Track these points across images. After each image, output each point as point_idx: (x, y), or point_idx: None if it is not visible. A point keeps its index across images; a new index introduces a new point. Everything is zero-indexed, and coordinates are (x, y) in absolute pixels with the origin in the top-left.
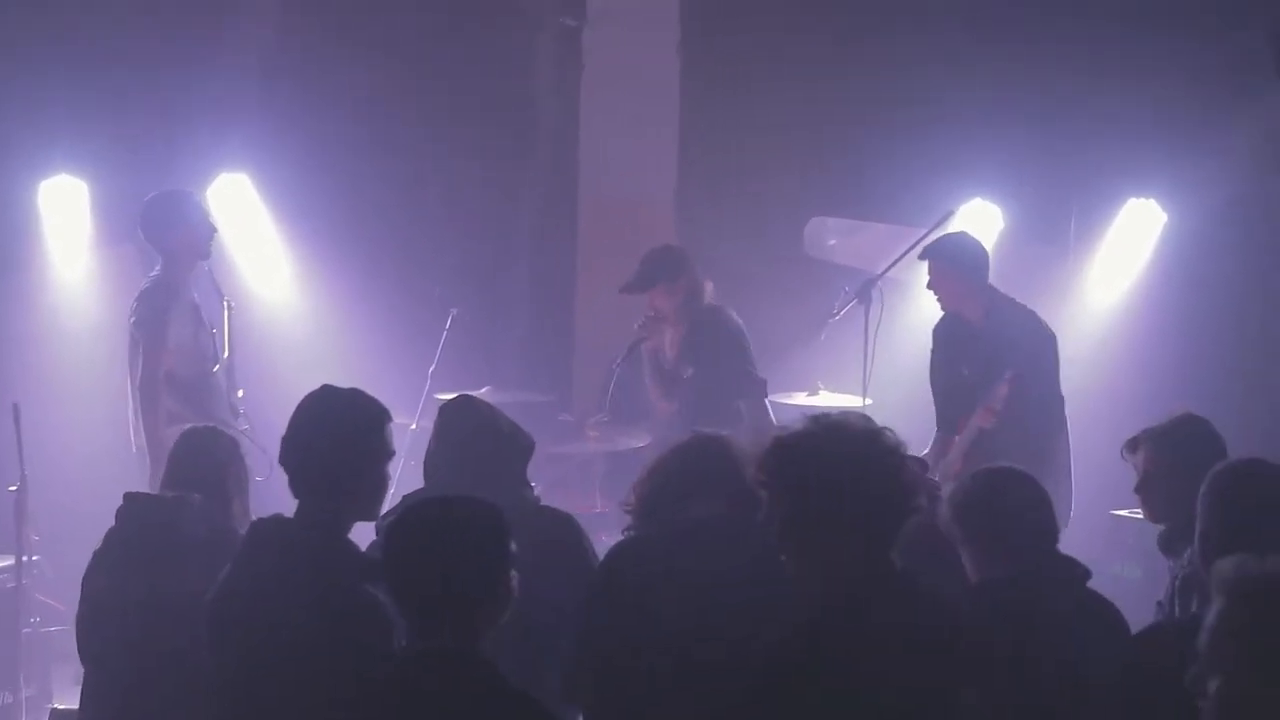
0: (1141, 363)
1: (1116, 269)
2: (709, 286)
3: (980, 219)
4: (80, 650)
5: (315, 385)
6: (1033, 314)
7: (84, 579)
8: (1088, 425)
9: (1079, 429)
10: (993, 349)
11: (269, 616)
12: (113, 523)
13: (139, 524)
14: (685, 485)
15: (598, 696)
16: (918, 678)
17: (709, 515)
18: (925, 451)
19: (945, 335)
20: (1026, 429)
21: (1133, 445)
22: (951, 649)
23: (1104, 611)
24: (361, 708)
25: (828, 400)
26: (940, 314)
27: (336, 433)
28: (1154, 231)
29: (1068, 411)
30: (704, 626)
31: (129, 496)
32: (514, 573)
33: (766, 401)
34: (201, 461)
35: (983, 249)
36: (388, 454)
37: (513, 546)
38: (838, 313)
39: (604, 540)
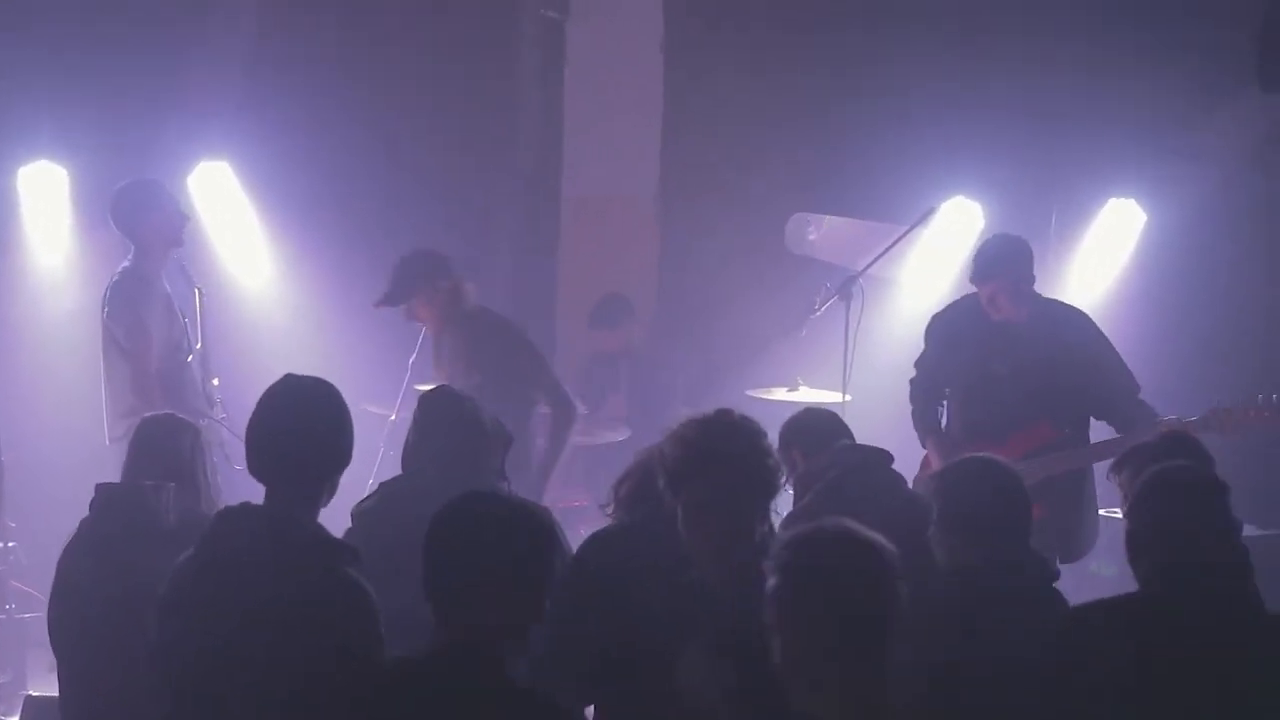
0: None
1: (1097, 268)
2: (469, 288)
3: (961, 217)
4: (52, 641)
5: (294, 373)
6: (1069, 305)
7: (57, 569)
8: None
9: None
10: (1040, 347)
11: (245, 604)
12: (87, 512)
13: (112, 513)
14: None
15: (568, 686)
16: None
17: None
18: (923, 459)
19: (962, 332)
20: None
21: (1118, 467)
22: None
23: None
24: (382, 703)
25: (808, 396)
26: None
27: (311, 419)
28: (1134, 231)
29: None
30: (678, 613)
31: (101, 487)
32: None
33: (565, 389)
34: (165, 448)
35: (1027, 245)
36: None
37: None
38: (819, 309)
39: (583, 534)
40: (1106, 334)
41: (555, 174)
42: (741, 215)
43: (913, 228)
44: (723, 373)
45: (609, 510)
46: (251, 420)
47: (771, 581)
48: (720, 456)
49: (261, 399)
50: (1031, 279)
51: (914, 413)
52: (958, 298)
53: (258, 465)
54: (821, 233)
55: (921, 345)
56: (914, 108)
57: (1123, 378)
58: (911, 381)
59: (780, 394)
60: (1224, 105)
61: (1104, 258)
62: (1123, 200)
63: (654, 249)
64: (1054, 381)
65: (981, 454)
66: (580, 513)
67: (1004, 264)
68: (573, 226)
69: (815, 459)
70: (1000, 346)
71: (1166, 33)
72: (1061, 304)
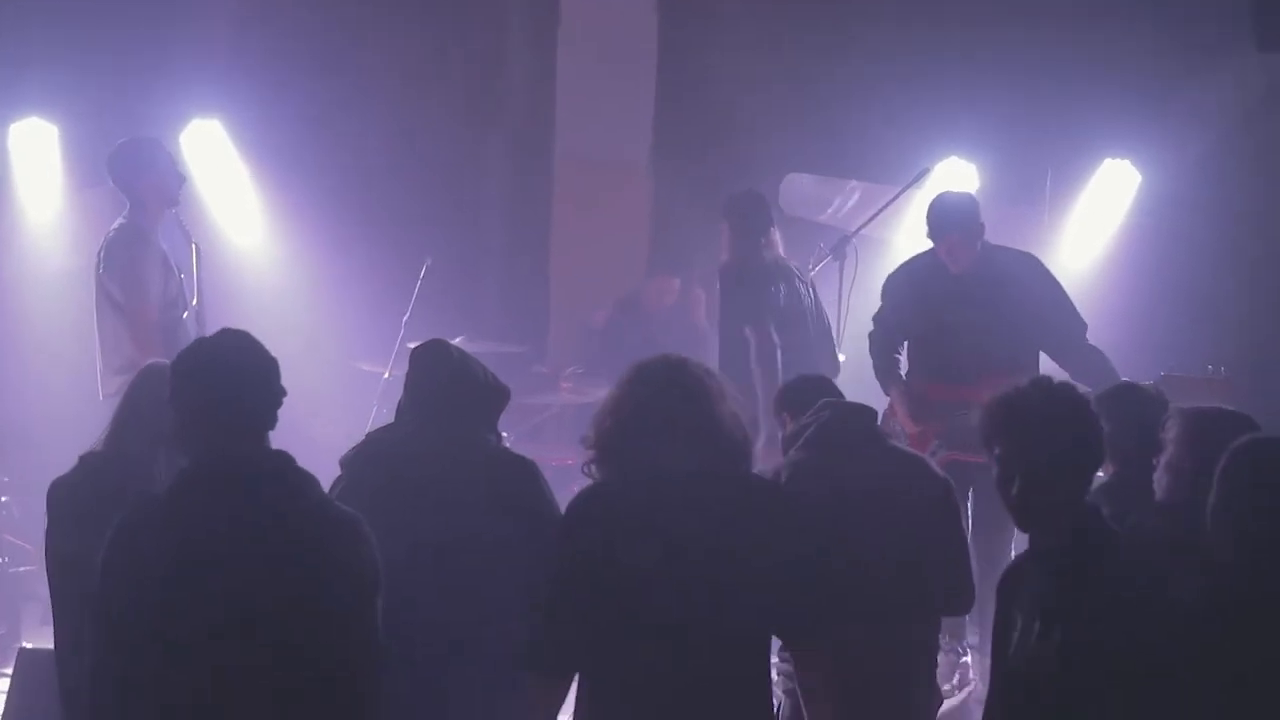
0: (1115, 323)
1: (1091, 229)
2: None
3: (955, 177)
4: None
5: (288, 331)
6: (1018, 251)
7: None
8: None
9: None
10: (993, 293)
11: (241, 551)
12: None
13: (101, 484)
14: (652, 425)
15: (568, 656)
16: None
17: (682, 463)
18: (887, 408)
19: (917, 286)
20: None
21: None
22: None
23: None
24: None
25: None
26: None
27: (264, 368)
28: (1129, 192)
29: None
30: (680, 581)
31: (86, 457)
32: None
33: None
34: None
35: (975, 199)
36: None
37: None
38: (813, 269)
39: (575, 491)
40: (1097, 294)
41: (548, 136)
42: (736, 176)
43: (907, 188)
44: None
45: (588, 445)
46: (173, 367)
47: None
48: (1036, 423)
49: (183, 350)
50: (983, 229)
51: (875, 366)
52: (912, 256)
53: (181, 412)
54: (851, 204)
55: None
56: (909, 68)
57: (1072, 318)
58: (870, 336)
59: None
60: (1221, 65)
61: (1098, 218)
62: (1118, 161)
63: (647, 211)
64: (1011, 324)
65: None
66: (571, 471)
67: (960, 216)
68: (566, 185)
69: (800, 420)
70: (958, 296)
71: None
72: (1011, 250)
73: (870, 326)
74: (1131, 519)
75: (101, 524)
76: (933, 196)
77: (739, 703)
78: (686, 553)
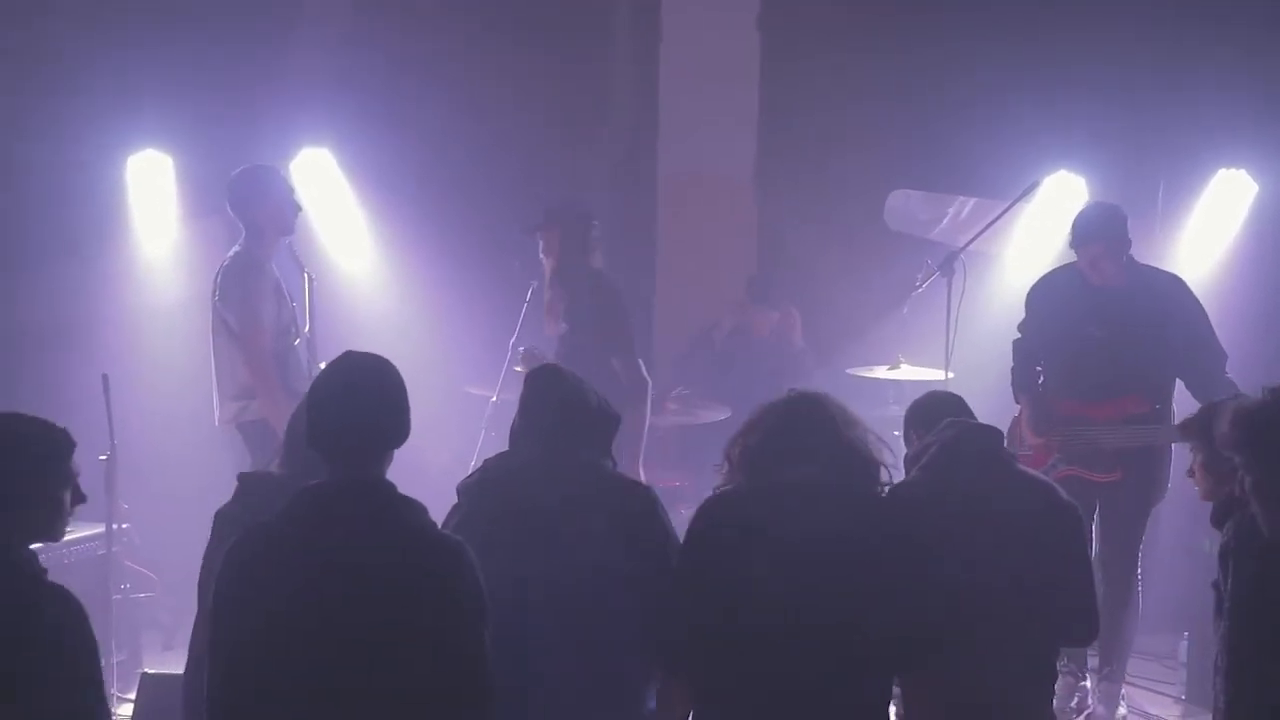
0: (1231, 336)
1: (1206, 241)
2: (599, 254)
3: (1064, 191)
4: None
5: (396, 356)
6: (1165, 271)
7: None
8: (1176, 401)
9: None
10: (1137, 311)
11: (347, 570)
12: (197, 493)
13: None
14: (781, 445)
15: (690, 655)
16: None
17: (807, 475)
18: (1016, 416)
19: (1062, 298)
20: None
21: (1185, 427)
22: None
23: None
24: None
25: (909, 374)
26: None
27: (371, 392)
28: (1245, 202)
29: None
30: (801, 587)
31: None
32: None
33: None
34: None
35: (1123, 212)
36: None
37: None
38: (920, 285)
39: (683, 513)
40: (1213, 305)
41: (652, 153)
42: (841, 193)
43: (1015, 202)
44: (825, 351)
45: (720, 469)
46: (312, 392)
47: None
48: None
49: (322, 373)
50: (1129, 244)
51: (1013, 370)
52: (1057, 267)
53: (317, 435)
54: (925, 209)
55: (1024, 316)
56: (1016, 80)
57: (1212, 346)
58: (1014, 344)
59: (881, 372)
60: None
61: (1213, 230)
62: (1233, 170)
63: (752, 228)
64: (1149, 345)
65: None
66: (677, 493)
67: (1105, 227)
68: (670, 206)
69: (924, 438)
70: (1098, 311)
71: None
72: (1158, 270)
73: (976, 346)
74: None
75: None
76: (1083, 206)
77: (847, 715)
78: (801, 557)
